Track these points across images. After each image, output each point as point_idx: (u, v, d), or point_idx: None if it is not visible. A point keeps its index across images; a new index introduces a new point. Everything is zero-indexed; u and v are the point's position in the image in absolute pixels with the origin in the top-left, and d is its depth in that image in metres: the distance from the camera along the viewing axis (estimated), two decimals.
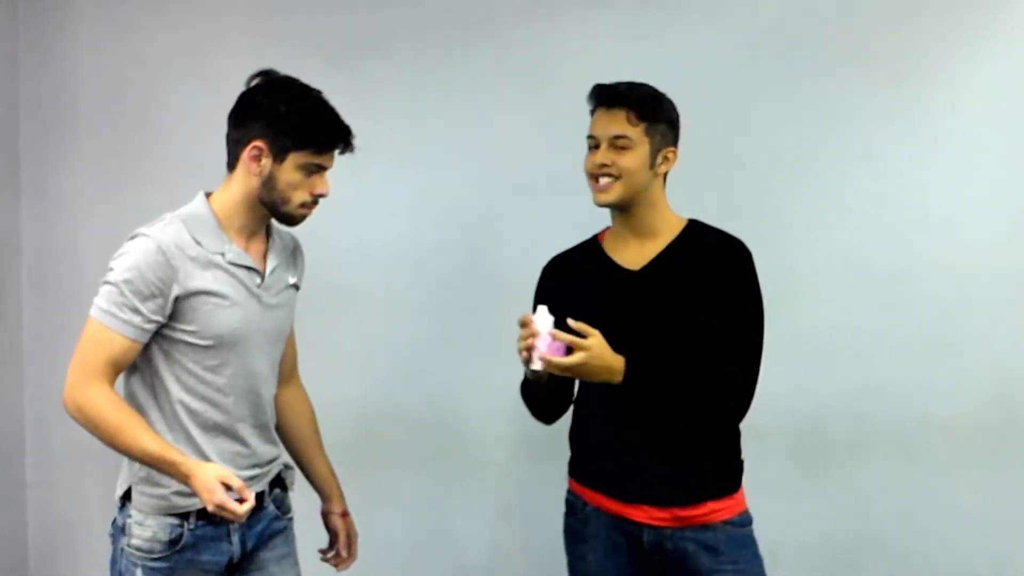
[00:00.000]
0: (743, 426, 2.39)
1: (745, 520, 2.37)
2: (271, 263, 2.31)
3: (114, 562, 2.28)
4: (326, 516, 2.55)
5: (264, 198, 2.23)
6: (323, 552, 2.55)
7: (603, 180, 2.32)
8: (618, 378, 2.21)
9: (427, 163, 3.28)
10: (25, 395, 3.54)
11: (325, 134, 2.20)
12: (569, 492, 2.46)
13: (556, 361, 2.17)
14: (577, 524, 2.42)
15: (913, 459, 3.09)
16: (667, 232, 2.38)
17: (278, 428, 2.49)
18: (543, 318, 2.21)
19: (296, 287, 2.41)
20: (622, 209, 2.36)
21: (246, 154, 2.21)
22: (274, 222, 2.34)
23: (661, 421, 2.30)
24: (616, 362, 2.21)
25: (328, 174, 2.26)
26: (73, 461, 3.51)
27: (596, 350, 2.18)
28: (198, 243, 2.20)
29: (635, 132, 2.31)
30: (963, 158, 3.07)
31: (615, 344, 2.23)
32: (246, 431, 2.29)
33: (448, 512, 3.32)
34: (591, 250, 2.45)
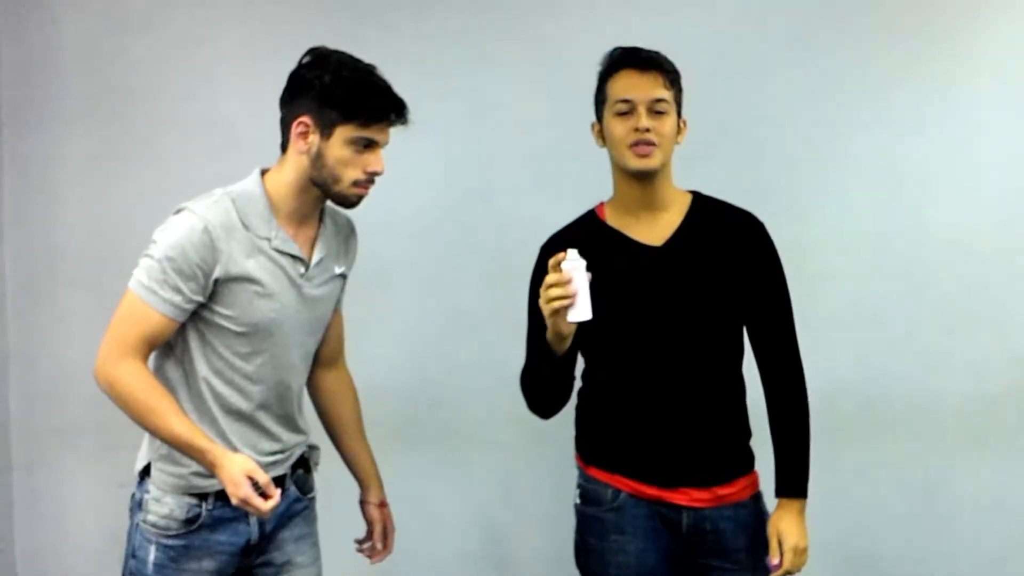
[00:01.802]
0: (754, 408, 2.38)
1: (760, 494, 2.40)
2: (318, 252, 2.26)
3: (129, 537, 2.26)
4: (363, 505, 2.51)
5: (315, 178, 2.16)
6: (359, 542, 2.52)
7: (645, 147, 2.25)
8: None
9: (427, 136, 3.13)
10: (9, 376, 3.48)
11: (372, 105, 2.12)
12: (591, 481, 2.37)
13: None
14: (609, 515, 2.32)
15: (928, 442, 3.05)
16: (677, 205, 2.35)
17: (319, 412, 2.48)
18: (578, 263, 2.07)
19: (344, 276, 2.36)
20: (648, 179, 2.29)
21: (293, 131, 2.16)
22: (330, 206, 2.28)
23: (699, 400, 2.30)
24: None
25: None
26: (59, 443, 3.46)
27: None
28: (245, 226, 2.15)
29: (669, 96, 2.28)
30: (985, 132, 3.02)
31: (646, 324, 2.24)
32: (267, 420, 2.25)
33: (447, 494, 3.30)
34: (595, 226, 2.36)
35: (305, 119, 2.14)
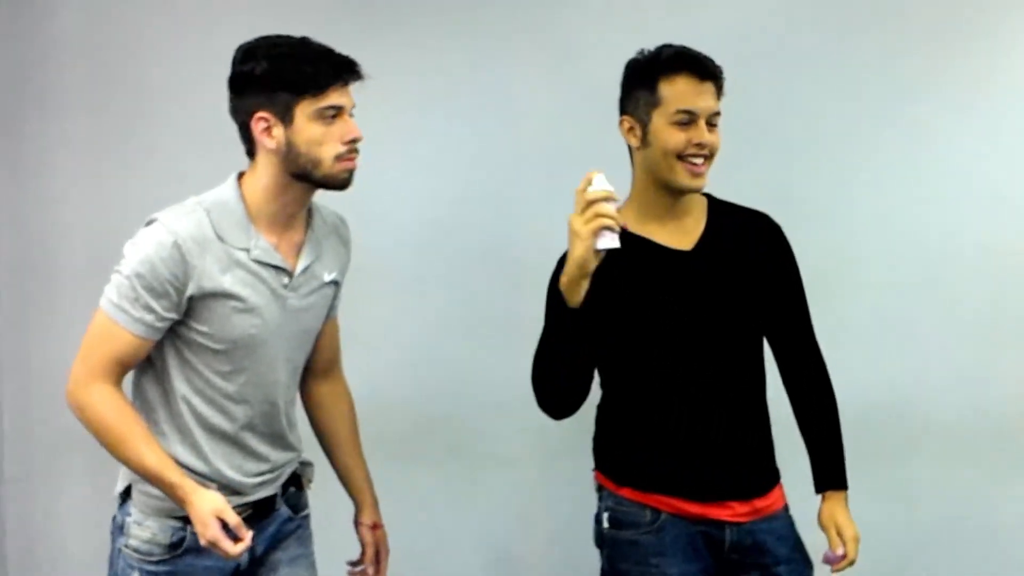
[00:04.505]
0: (785, 422, 2.34)
1: (788, 506, 2.37)
2: (304, 260, 2.13)
3: (112, 561, 2.18)
4: (357, 526, 2.40)
5: (294, 171, 2.03)
6: (351, 564, 2.40)
7: (699, 161, 2.17)
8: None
9: (440, 140, 3.14)
10: (3, 385, 3.40)
11: (317, 70, 2.00)
12: (625, 504, 2.27)
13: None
14: (647, 537, 2.23)
15: (964, 459, 2.98)
16: (697, 208, 2.29)
17: (313, 425, 2.38)
18: (608, 187, 1.99)
19: (336, 283, 2.24)
20: (680, 192, 2.23)
21: (256, 131, 2.04)
22: (318, 206, 2.17)
23: (736, 409, 2.25)
24: None
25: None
26: (53, 455, 3.37)
27: None
28: (221, 238, 2.03)
29: (720, 107, 2.22)
30: (1017, 136, 2.95)
31: (682, 332, 2.19)
32: (254, 440, 2.16)
33: (460, 512, 3.19)
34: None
35: (262, 113, 2.02)
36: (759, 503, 2.27)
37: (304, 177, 2.04)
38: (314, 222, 2.17)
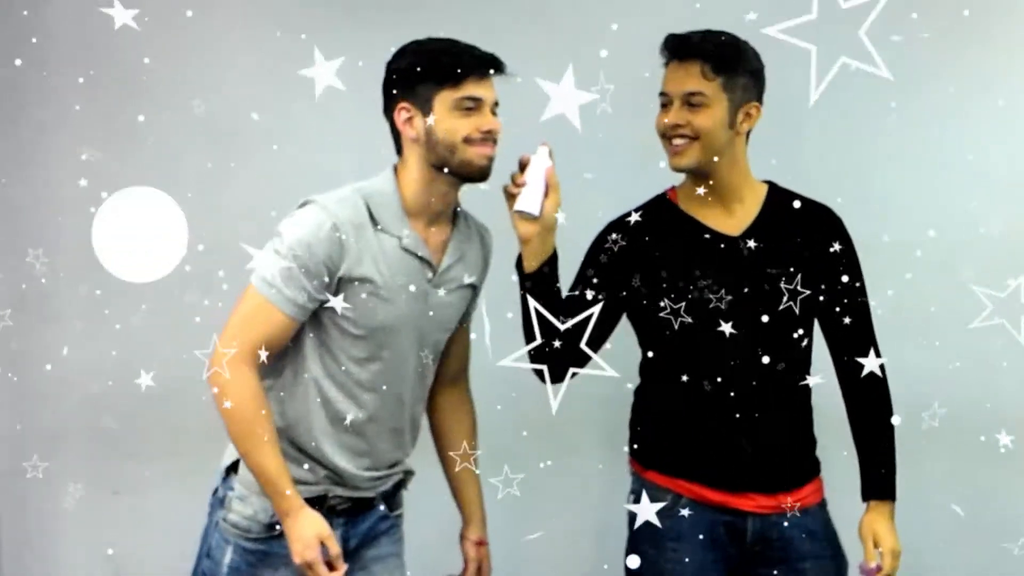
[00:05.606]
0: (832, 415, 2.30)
1: (825, 501, 2.33)
2: (448, 258, 2.18)
3: (206, 535, 2.18)
4: (461, 540, 2.40)
5: (435, 161, 2.08)
6: None
7: (677, 142, 2.17)
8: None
9: None
10: None
11: (455, 61, 2.05)
12: (649, 487, 2.25)
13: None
14: (667, 522, 2.19)
15: (976, 457, 2.83)
16: (752, 196, 2.27)
17: (434, 433, 2.39)
18: (541, 159, 2.12)
19: (474, 287, 2.26)
20: (701, 173, 2.20)
21: (398, 121, 2.10)
22: (464, 213, 2.24)
23: (771, 400, 2.21)
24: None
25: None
26: (47, 447, 3.23)
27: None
28: (376, 225, 2.08)
29: (711, 87, 2.15)
30: None
31: (719, 316, 2.15)
32: (375, 432, 2.17)
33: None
34: (666, 210, 2.27)
35: (404, 104, 2.09)
36: (787, 496, 2.22)
37: (443, 166, 2.09)
38: (459, 223, 2.22)
